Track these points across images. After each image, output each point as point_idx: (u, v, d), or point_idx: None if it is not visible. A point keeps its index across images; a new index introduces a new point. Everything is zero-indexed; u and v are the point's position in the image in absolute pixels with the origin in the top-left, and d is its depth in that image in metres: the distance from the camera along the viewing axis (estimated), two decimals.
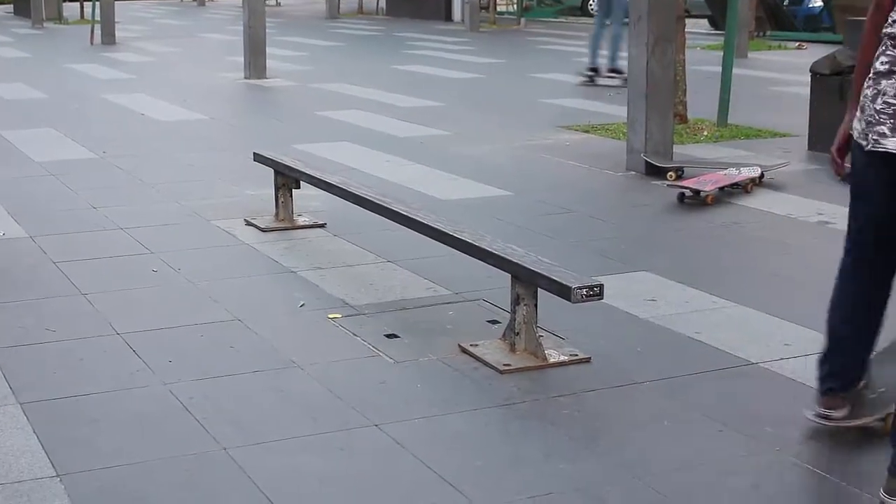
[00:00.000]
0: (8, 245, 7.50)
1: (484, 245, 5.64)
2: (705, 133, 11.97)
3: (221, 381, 5.13)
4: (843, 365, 4.44)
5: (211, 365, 5.32)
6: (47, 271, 6.88)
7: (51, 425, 4.65)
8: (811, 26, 26.29)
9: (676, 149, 10.56)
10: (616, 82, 15.27)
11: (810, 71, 11.09)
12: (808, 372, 5.15)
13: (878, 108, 4.08)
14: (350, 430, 4.61)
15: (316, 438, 4.53)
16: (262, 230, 7.82)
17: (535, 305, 5.35)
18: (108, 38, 24.10)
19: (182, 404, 4.86)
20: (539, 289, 5.31)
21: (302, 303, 6.24)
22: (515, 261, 5.37)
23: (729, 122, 12.22)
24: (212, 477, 4.20)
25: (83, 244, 7.50)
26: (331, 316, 6.01)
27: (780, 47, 22.14)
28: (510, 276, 5.43)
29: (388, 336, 5.71)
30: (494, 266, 5.57)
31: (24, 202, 8.73)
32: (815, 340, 5.54)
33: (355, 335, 5.72)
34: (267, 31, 17.92)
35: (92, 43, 24.01)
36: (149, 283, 6.64)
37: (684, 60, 12.46)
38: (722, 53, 12.72)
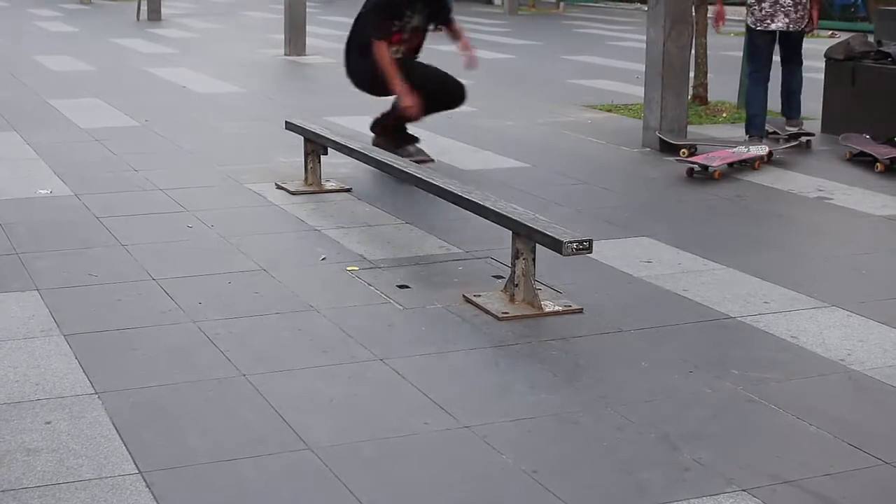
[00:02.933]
0: (55, 202, 8.07)
1: (488, 204, 6.16)
2: (724, 114, 12.40)
3: (245, 320, 5.66)
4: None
5: (236, 307, 5.85)
6: (90, 225, 7.44)
7: (90, 353, 5.19)
8: (847, 16, 26.58)
9: (695, 129, 11.04)
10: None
11: (824, 56, 11.50)
12: (780, 325, 5.65)
13: None
14: (358, 362, 5.13)
15: (327, 369, 5.05)
16: (292, 193, 8.36)
17: (533, 260, 5.85)
18: (154, 15, 24.73)
19: (208, 338, 5.39)
20: (540, 246, 5.80)
21: (323, 256, 6.76)
22: (515, 218, 5.88)
23: None
24: (232, 397, 4.73)
25: (124, 202, 8.05)
26: (349, 268, 6.54)
27: (812, 35, 22.40)
28: (511, 232, 5.93)
29: (400, 286, 6.23)
30: (496, 223, 6.08)
31: (69, 164, 9.30)
32: (793, 299, 6.05)
33: (370, 285, 6.25)
34: (310, 10, 18.48)
35: (138, 19, 24.65)
36: (183, 237, 7.18)
37: (706, 44, 12.89)
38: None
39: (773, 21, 10.27)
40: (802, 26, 10.32)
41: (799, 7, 10.27)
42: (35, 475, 4.01)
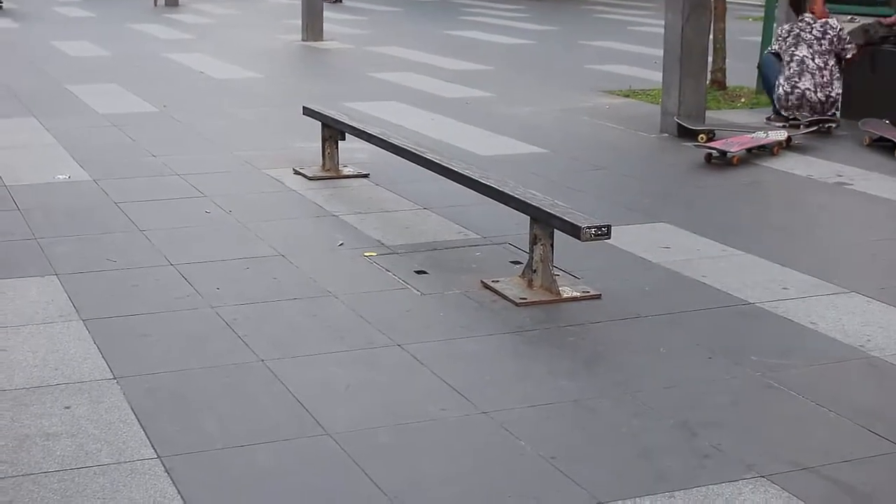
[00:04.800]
0: (73, 187, 8.08)
1: (506, 190, 6.14)
2: (742, 100, 12.36)
3: (262, 305, 5.67)
4: None
5: (254, 292, 5.85)
6: (109, 210, 7.45)
7: (109, 338, 5.20)
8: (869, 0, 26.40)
9: (714, 114, 11.01)
10: None
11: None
12: (799, 311, 5.63)
13: None
14: (375, 348, 5.13)
15: (344, 354, 5.05)
16: (309, 178, 8.35)
17: (552, 245, 5.84)
18: (171, 0, 24.72)
19: (226, 323, 5.40)
20: (558, 232, 5.78)
21: (341, 242, 6.76)
22: (534, 204, 5.86)
23: None
24: (249, 382, 4.74)
25: (142, 188, 8.06)
26: (366, 254, 6.54)
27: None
28: (529, 218, 5.91)
29: (418, 272, 6.22)
30: (515, 209, 6.06)
31: (88, 150, 9.32)
32: (813, 285, 6.02)
33: (388, 270, 6.24)
34: None
35: (155, 5, 24.67)
36: (201, 223, 7.19)
37: (725, 29, 12.84)
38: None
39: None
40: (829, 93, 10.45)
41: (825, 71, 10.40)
42: (55, 460, 4.02)
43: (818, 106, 10.27)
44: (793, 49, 10.56)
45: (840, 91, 10.46)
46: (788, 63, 10.55)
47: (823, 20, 10.57)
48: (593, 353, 5.15)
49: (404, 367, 4.94)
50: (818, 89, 10.31)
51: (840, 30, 10.62)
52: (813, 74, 10.37)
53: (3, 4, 22.83)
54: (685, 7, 10.06)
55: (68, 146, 9.44)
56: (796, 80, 10.42)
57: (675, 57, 10.24)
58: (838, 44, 10.52)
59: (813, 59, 10.44)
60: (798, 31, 10.60)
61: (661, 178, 8.74)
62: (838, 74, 10.47)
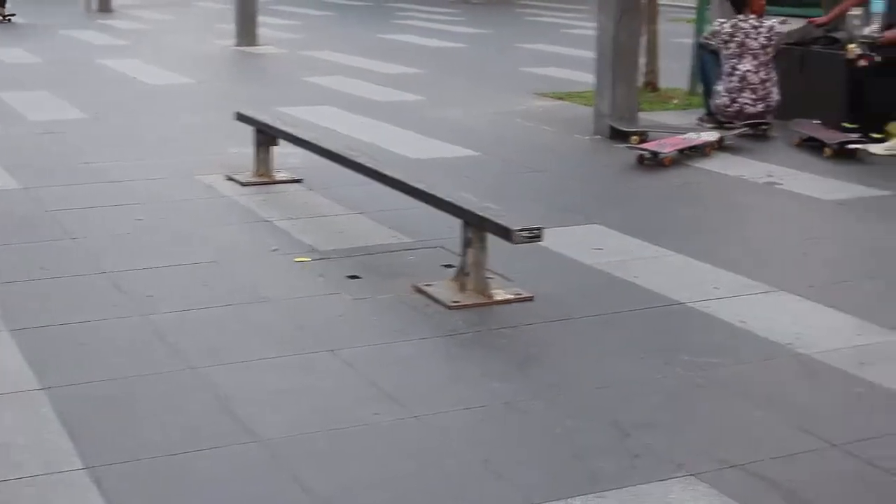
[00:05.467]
0: (3, 195, 8.00)
1: (438, 193, 6.16)
2: (675, 101, 12.45)
3: (195, 312, 5.64)
4: None
5: (187, 299, 5.82)
6: (40, 218, 7.38)
7: (38, 348, 5.15)
8: (797, 0, 26.67)
9: (647, 115, 11.08)
10: None
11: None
12: (729, 311, 5.68)
13: None
14: (308, 354, 5.12)
15: (277, 360, 5.04)
16: (242, 184, 8.32)
17: (484, 248, 5.85)
18: (105, 6, 24.53)
19: (158, 331, 5.36)
20: (491, 235, 5.80)
21: (274, 248, 6.74)
22: (465, 207, 5.88)
23: (700, 90, 12.64)
24: (180, 390, 4.71)
25: (74, 195, 7.99)
26: (299, 259, 6.52)
27: None
28: (462, 221, 5.93)
29: (350, 277, 6.22)
30: (447, 212, 6.07)
31: (18, 158, 9.22)
32: (743, 284, 6.09)
33: (320, 276, 6.23)
34: (261, 0, 18.37)
35: (88, 10, 24.43)
36: (134, 230, 7.14)
37: (657, 31, 12.94)
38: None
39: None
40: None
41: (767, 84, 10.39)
42: None
43: (756, 116, 10.30)
44: (735, 61, 10.32)
45: (778, 98, 10.41)
46: (729, 75, 10.34)
47: (769, 24, 10.37)
48: (526, 354, 5.18)
49: (337, 372, 4.94)
50: (757, 103, 10.30)
51: (783, 34, 10.56)
52: (755, 90, 10.28)
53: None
54: (617, 10, 10.12)
55: None
56: (736, 94, 10.29)
57: (608, 59, 10.31)
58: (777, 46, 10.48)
59: (756, 73, 10.27)
60: (742, 37, 10.33)
61: (595, 180, 8.80)
62: (776, 79, 10.43)
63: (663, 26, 13.78)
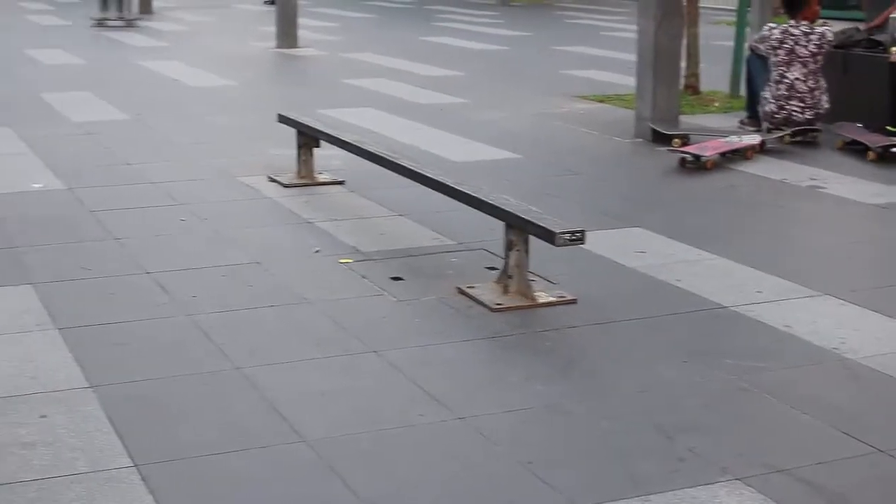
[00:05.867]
0: (47, 196, 8.07)
1: (481, 196, 6.16)
2: (716, 104, 12.42)
3: (239, 313, 5.67)
4: None
5: (230, 300, 5.86)
6: (83, 219, 7.44)
7: (85, 347, 5.20)
8: (838, 3, 26.54)
9: (687, 118, 11.05)
10: None
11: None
12: (773, 315, 5.66)
13: None
14: (351, 355, 5.13)
15: (321, 361, 5.06)
16: (284, 186, 8.36)
17: (527, 251, 5.86)
18: (146, 8, 24.67)
19: (202, 331, 5.40)
20: (534, 237, 5.80)
21: (317, 249, 6.77)
22: (508, 209, 5.88)
23: (741, 93, 12.60)
24: (225, 390, 4.74)
25: (117, 196, 8.05)
26: (342, 260, 6.54)
27: None
28: (504, 224, 5.93)
29: (394, 278, 6.23)
30: (490, 215, 6.09)
31: (62, 158, 9.30)
32: (787, 288, 6.07)
33: (363, 277, 6.25)
34: (301, 2, 18.44)
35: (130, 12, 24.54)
36: (177, 231, 7.18)
37: (698, 33, 12.90)
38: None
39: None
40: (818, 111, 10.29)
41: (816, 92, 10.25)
42: (31, 469, 4.02)
43: (804, 123, 10.19)
44: (783, 69, 10.16)
45: (828, 106, 10.23)
46: (777, 83, 10.19)
47: (821, 32, 10.19)
48: (569, 357, 5.18)
49: (381, 373, 4.95)
50: (806, 111, 10.18)
51: (831, 40, 10.43)
52: (803, 98, 10.11)
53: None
54: (658, 12, 10.10)
55: (42, 155, 9.41)
56: (783, 102, 10.16)
57: (649, 62, 10.29)
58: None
59: (805, 82, 10.11)
60: (792, 44, 10.16)
61: (636, 183, 8.79)
62: (825, 86, 10.29)
63: (704, 29, 13.75)
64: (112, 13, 21.62)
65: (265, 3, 27.41)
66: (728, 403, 4.67)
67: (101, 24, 21.30)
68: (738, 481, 3.96)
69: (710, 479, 3.98)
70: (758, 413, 4.59)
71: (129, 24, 21.32)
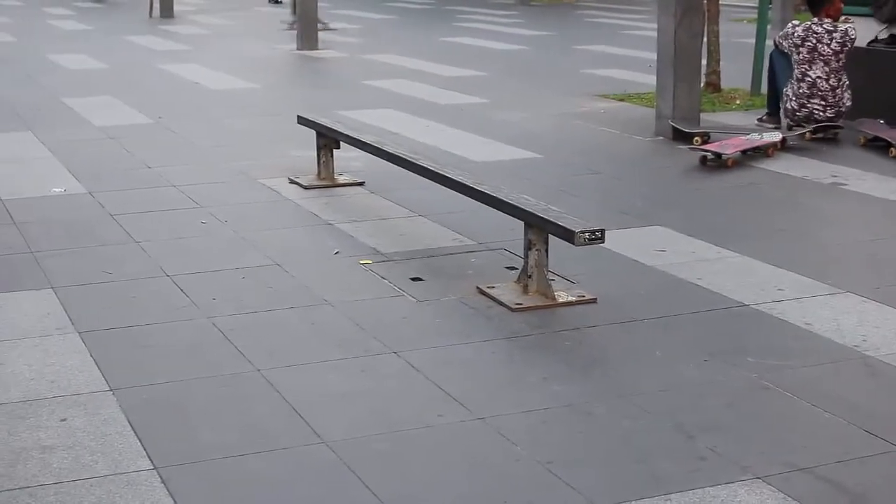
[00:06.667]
0: (69, 200, 8.09)
1: (500, 195, 6.15)
2: (737, 101, 12.37)
3: (259, 315, 5.67)
4: None
5: (250, 302, 5.86)
6: (104, 223, 7.46)
7: (105, 350, 5.21)
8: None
9: (709, 116, 11.02)
10: None
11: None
12: (795, 312, 5.63)
13: None
14: (371, 356, 5.13)
15: (340, 362, 5.06)
16: (305, 187, 8.37)
17: (546, 250, 5.85)
18: (167, 12, 24.75)
19: (222, 334, 5.41)
20: (553, 237, 5.79)
21: (336, 250, 6.77)
22: (527, 209, 5.87)
23: (763, 90, 12.55)
24: (246, 392, 4.75)
25: (138, 199, 8.07)
26: (362, 262, 6.54)
27: None
28: (524, 223, 5.92)
29: (413, 279, 6.23)
30: (509, 214, 6.08)
31: (83, 162, 9.33)
32: (808, 286, 6.04)
33: (383, 278, 6.25)
34: (322, 4, 18.46)
35: (151, 16, 24.66)
36: (197, 233, 7.20)
37: (718, 31, 12.86)
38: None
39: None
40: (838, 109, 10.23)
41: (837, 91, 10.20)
42: (51, 472, 4.03)
43: (826, 120, 10.14)
44: (806, 67, 10.11)
45: (850, 103, 10.18)
46: (799, 81, 10.14)
47: (843, 30, 10.13)
48: (589, 357, 5.16)
49: (400, 374, 4.95)
50: (827, 109, 10.13)
51: (854, 38, 10.37)
52: (825, 97, 10.06)
53: None
54: (678, 10, 10.07)
55: (64, 159, 9.45)
56: (805, 100, 10.12)
57: (669, 60, 10.26)
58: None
59: (827, 80, 10.05)
60: (815, 42, 10.09)
61: (656, 182, 8.76)
62: (847, 84, 10.25)
63: (725, 26, 13.71)
64: None
65: (270, 2, 27.78)
66: (749, 402, 4.65)
67: None
68: (758, 480, 3.94)
69: (730, 478, 3.96)
70: (779, 412, 4.57)
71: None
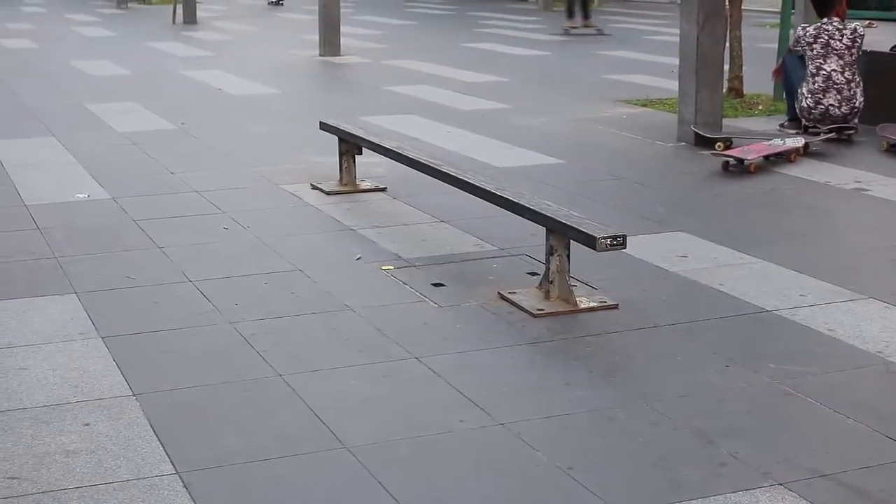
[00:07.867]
0: (92, 205, 8.13)
1: (522, 201, 6.16)
2: (760, 107, 12.35)
3: (281, 320, 5.69)
4: None
5: (272, 307, 5.88)
6: (127, 228, 7.49)
7: (128, 355, 5.23)
8: (884, 4, 26.35)
9: (731, 122, 11.01)
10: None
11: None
12: (817, 318, 5.62)
13: None
14: (393, 361, 5.14)
15: (362, 368, 5.07)
16: (327, 193, 8.39)
17: (568, 256, 5.85)
18: (190, 18, 24.86)
19: (245, 339, 5.42)
20: (575, 243, 5.79)
21: (358, 256, 6.78)
22: (549, 215, 5.88)
23: (785, 96, 12.51)
24: (268, 397, 4.76)
25: (160, 205, 8.10)
26: (384, 267, 6.56)
27: None
28: (545, 229, 5.93)
29: (435, 285, 6.24)
30: (530, 220, 6.08)
31: (107, 168, 9.37)
32: (830, 291, 6.02)
33: (405, 284, 6.26)
34: (344, 10, 18.52)
35: (174, 22, 24.77)
36: (219, 239, 7.22)
37: (741, 36, 12.84)
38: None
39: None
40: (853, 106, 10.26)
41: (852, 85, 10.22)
42: (74, 476, 4.05)
43: (841, 119, 10.17)
44: (820, 61, 10.18)
45: (862, 100, 10.27)
46: (814, 76, 10.19)
47: (853, 27, 10.26)
48: (610, 363, 5.16)
49: (422, 379, 4.95)
50: (842, 104, 10.16)
51: (863, 35, 10.45)
52: (839, 90, 10.11)
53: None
54: (700, 16, 10.06)
55: (87, 165, 9.50)
56: (821, 96, 10.13)
57: (691, 66, 10.25)
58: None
59: (842, 73, 10.12)
60: (827, 38, 10.21)
61: (678, 187, 8.75)
62: (860, 80, 10.30)
63: (748, 31, 13.69)
64: None
65: (269, 3, 27.97)
66: (771, 408, 4.64)
67: None
68: (780, 486, 3.94)
69: (752, 485, 3.96)
70: (801, 418, 4.56)
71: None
